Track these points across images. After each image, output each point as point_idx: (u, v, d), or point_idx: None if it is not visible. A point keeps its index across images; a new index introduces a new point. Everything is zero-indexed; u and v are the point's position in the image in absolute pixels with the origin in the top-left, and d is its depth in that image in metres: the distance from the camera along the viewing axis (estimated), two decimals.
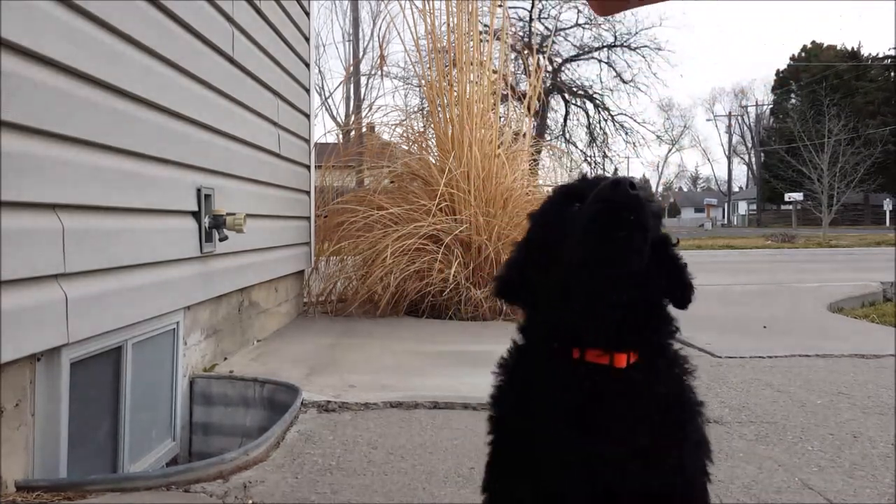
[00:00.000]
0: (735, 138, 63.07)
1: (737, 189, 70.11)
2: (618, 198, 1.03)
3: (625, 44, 27.42)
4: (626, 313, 1.08)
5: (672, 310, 1.19)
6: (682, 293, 1.16)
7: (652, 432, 1.07)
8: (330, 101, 19.07)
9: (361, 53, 21.38)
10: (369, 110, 14.49)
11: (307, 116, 5.27)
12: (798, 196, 40.29)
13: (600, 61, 27.97)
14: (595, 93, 28.28)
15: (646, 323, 1.10)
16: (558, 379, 1.08)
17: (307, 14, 5.26)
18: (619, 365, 1.07)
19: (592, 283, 1.07)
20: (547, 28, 25.66)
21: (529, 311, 1.17)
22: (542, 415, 1.08)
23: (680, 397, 1.12)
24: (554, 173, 7.70)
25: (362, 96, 18.86)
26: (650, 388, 1.08)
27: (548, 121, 26.59)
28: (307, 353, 3.89)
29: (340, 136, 11.64)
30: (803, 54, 51.20)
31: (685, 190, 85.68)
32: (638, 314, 1.08)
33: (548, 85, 25.47)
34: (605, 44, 27.54)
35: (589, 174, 1.24)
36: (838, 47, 49.00)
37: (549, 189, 6.34)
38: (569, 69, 28.19)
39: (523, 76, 16.00)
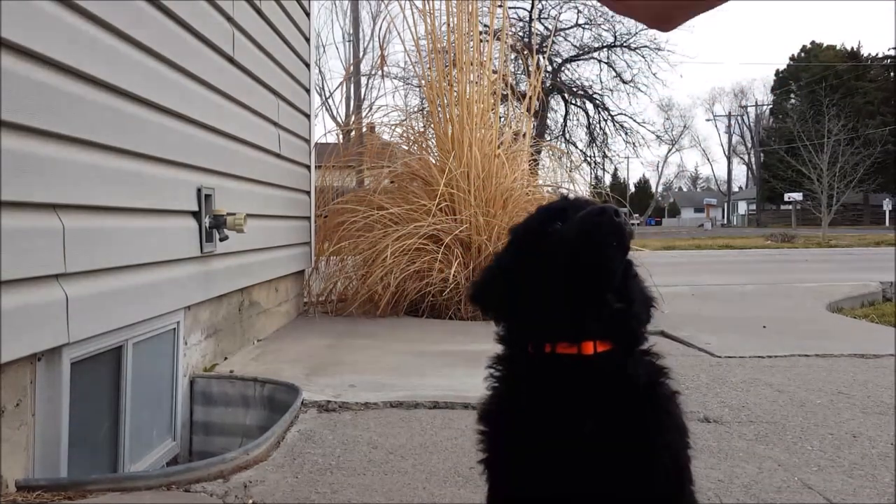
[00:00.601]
0: (735, 138, 63.13)
1: (736, 189, 70.16)
2: (604, 224, 1.12)
3: (625, 44, 27.40)
4: (593, 311, 1.17)
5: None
6: (647, 305, 1.27)
7: (623, 413, 1.13)
8: (330, 101, 19.04)
9: (361, 53, 21.38)
10: (369, 110, 14.48)
11: (307, 116, 5.28)
12: (798, 196, 40.29)
13: (600, 61, 27.97)
14: (595, 93, 28.28)
15: (614, 319, 1.18)
16: (534, 373, 1.17)
17: (307, 14, 5.26)
18: (587, 352, 1.15)
19: (570, 293, 1.16)
20: (547, 28, 25.62)
21: (502, 317, 1.24)
22: (526, 408, 1.16)
23: (653, 383, 1.19)
24: (554, 173, 7.71)
25: (362, 96, 18.86)
26: (618, 371, 1.16)
27: (548, 121, 26.57)
28: (307, 353, 3.90)
29: (340, 136, 11.64)
30: (803, 54, 51.22)
31: (685, 190, 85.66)
32: (605, 312, 1.17)
33: (548, 85, 25.46)
34: (604, 44, 27.52)
35: (569, 194, 1.33)
36: (838, 47, 49.02)
37: (548, 192, 6.33)
38: (569, 69, 28.18)
39: (523, 76, 16.00)
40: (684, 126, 60.51)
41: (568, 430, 1.11)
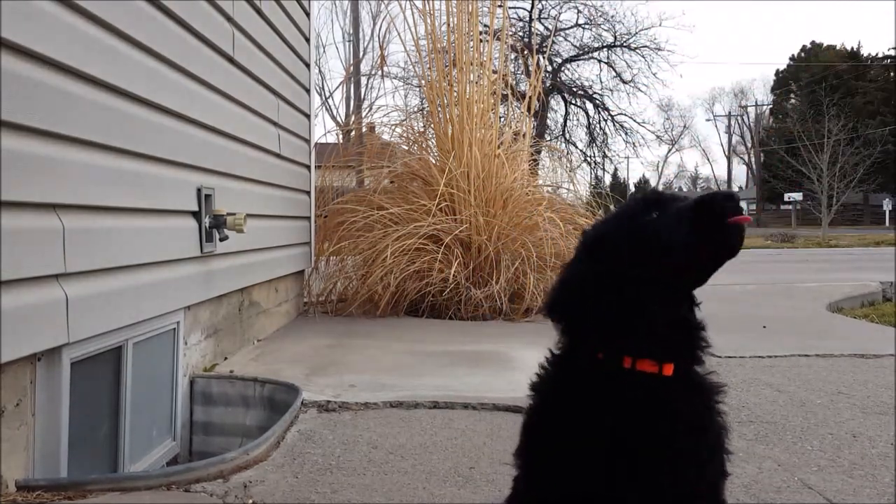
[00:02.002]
0: (735, 138, 63.16)
1: (737, 189, 70.08)
2: (732, 209, 1.06)
3: (625, 44, 27.37)
4: (683, 321, 1.13)
5: None
6: None
7: (707, 436, 1.11)
8: (330, 101, 19.03)
9: (361, 53, 21.36)
10: (369, 110, 14.50)
11: (307, 116, 5.27)
12: (798, 196, 40.31)
13: (600, 61, 27.89)
14: (595, 93, 28.23)
15: (690, 334, 1.14)
16: (612, 387, 1.10)
17: (307, 14, 5.26)
18: (667, 373, 1.10)
19: (670, 293, 1.10)
20: (547, 28, 25.57)
21: (578, 326, 1.15)
22: (599, 422, 1.10)
23: (716, 404, 1.16)
24: (554, 173, 7.71)
25: (362, 96, 18.85)
26: (698, 394, 1.13)
27: (548, 121, 26.54)
28: (307, 353, 3.90)
29: (340, 136, 11.64)
30: (803, 54, 51.19)
31: (685, 190, 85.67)
32: (683, 325, 1.13)
33: (548, 85, 25.44)
34: (604, 44, 27.45)
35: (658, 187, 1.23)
36: (838, 47, 49.00)
37: (548, 192, 6.31)
38: (569, 69, 28.10)
39: (523, 76, 16.00)
40: (684, 126, 60.60)
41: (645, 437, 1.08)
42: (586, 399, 1.12)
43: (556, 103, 27.86)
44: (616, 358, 1.10)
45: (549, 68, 25.70)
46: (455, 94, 5.96)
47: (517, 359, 3.72)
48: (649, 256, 1.08)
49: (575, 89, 28.02)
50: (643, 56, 27.24)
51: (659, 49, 26.84)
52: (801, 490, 2.05)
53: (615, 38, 27.23)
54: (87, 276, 2.17)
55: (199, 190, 3.06)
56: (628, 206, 1.17)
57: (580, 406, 1.12)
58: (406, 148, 6.61)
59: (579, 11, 26.46)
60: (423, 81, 6.42)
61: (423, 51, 6.18)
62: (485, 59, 6.22)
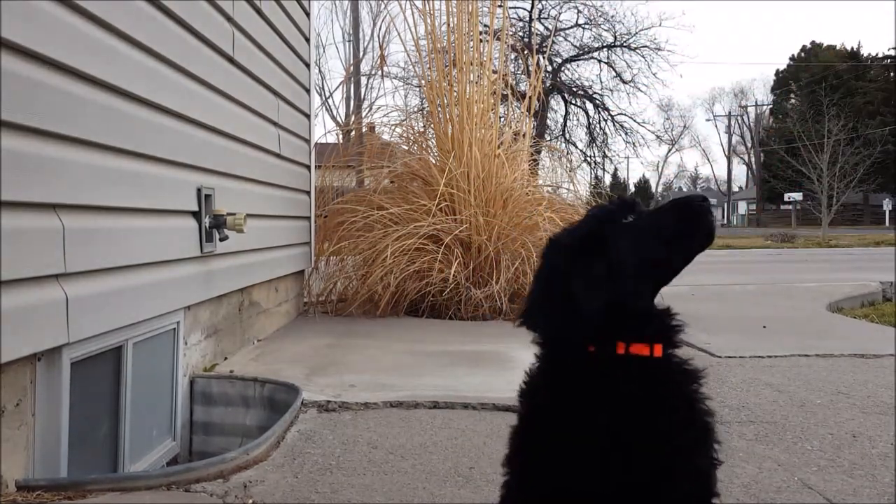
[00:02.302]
0: (735, 138, 63.18)
1: (736, 189, 70.15)
2: (706, 211, 1.20)
3: (625, 44, 27.35)
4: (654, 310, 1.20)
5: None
6: None
7: (697, 427, 1.15)
8: (330, 101, 19.04)
9: (361, 53, 21.35)
10: (369, 110, 14.51)
11: (307, 116, 5.28)
12: (798, 196, 40.36)
13: (600, 61, 27.88)
14: (595, 93, 28.21)
15: (669, 317, 1.21)
16: (611, 374, 1.14)
17: (307, 14, 5.26)
18: (657, 355, 1.15)
19: (648, 283, 1.18)
20: (547, 28, 25.56)
21: (568, 328, 1.16)
22: (602, 411, 1.12)
23: (700, 391, 1.21)
24: (554, 173, 7.72)
25: (362, 96, 18.86)
26: (687, 382, 1.17)
27: (548, 121, 26.53)
28: (307, 353, 3.90)
29: (340, 136, 11.65)
30: (803, 54, 51.20)
31: (685, 190, 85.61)
32: (661, 310, 1.21)
33: (548, 85, 25.42)
34: (604, 44, 27.44)
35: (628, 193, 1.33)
36: (838, 47, 49.00)
37: (548, 192, 6.32)
38: (569, 69, 28.09)
39: (523, 76, 15.99)
40: (684, 126, 60.66)
41: (642, 432, 1.10)
42: (580, 397, 1.14)
43: (556, 103, 27.86)
44: (610, 345, 1.15)
45: (549, 68, 25.69)
46: (455, 94, 5.95)
47: (517, 359, 3.71)
48: (636, 250, 1.17)
49: (575, 89, 28.01)
50: (643, 56, 27.24)
51: (659, 49, 26.83)
52: (801, 490, 2.05)
53: (615, 38, 27.23)
54: (87, 276, 2.17)
55: (199, 190, 3.06)
56: (606, 209, 1.24)
57: (574, 405, 1.14)
58: (406, 148, 6.61)
59: (579, 11, 26.47)
60: (423, 81, 6.42)
61: (423, 51, 6.18)
62: (485, 59, 6.22)
